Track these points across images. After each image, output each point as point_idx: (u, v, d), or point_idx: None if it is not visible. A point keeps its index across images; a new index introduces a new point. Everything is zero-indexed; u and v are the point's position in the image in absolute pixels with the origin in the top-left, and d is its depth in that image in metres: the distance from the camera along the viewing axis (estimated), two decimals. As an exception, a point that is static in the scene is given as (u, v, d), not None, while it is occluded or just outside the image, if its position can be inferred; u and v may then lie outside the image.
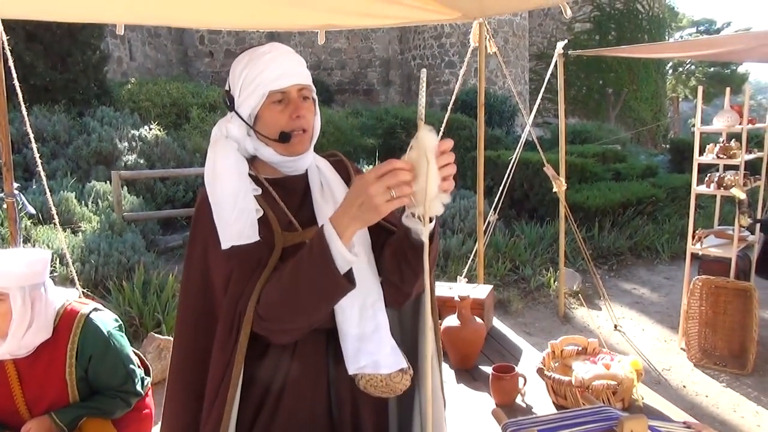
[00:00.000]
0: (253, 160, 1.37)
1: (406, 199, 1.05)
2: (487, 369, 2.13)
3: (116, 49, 12.98)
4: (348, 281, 1.12)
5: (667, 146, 17.34)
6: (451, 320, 2.18)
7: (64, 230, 5.54)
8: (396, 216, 1.38)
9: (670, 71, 26.48)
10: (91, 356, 1.83)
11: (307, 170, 1.40)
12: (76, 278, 3.20)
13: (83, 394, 1.86)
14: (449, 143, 1.09)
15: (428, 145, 1.11)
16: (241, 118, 1.32)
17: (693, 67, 28.44)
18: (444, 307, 2.31)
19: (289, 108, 1.29)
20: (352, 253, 1.11)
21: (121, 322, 2.00)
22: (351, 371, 1.25)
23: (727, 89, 4.40)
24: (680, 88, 29.11)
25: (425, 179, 1.10)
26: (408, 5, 2.74)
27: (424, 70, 1.23)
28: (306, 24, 3.17)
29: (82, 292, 2.82)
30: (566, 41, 4.61)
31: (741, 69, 27.21)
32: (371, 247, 1.35)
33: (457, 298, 2.18)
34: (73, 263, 4.76)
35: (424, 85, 1.13)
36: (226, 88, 1.36)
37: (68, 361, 1.80)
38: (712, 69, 27.37)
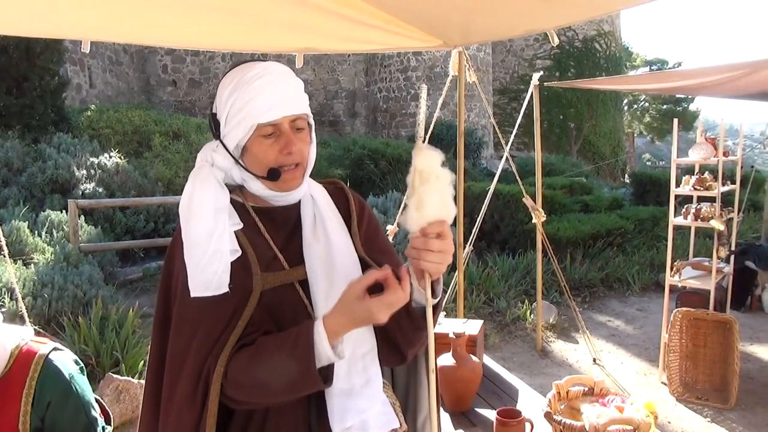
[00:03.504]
0: (242, 187, 1.22)
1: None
2: (485, 412, 1.98)
3: (76, 76, 12.63)
4: (324, 380, 1.04)
5: (627, 179, 17.84)
6: (446, 359, 2.03)
7: (15, 262, 5.19)
8: (389, 262, 1.29)
9: (626, 108, 27.42)
10: (50, 403, 1.61)
11: (300, 200, 1.25)
12: (26, 314, 2.94)
13: None
14: (442, 226, 1.05)
15: (423, 165, 1.02)
16: (227, 149, 1.18)
17: (647, 104, 29.56)
18: (435, 344, 2.15)
19: (279, 142, 1.15)
20: (337, 351, 1.04)
21: (82, 364, 1.78)
22: (336, 431, 1.12)
23: (700, 122, 4.45)
24: (635, 124, 30.17)
25: (425, 204, 1.01)
26: (390, 31, 2.66)
27: (424, 86, 1.14)
28: (284, 47, 3.05)
29: (34, 329, 2.56)
30: (542, 72, 4.61)
31: (692, 107, 28.41)
32: None
33: (452, 335, 2.03)
34: (23, 298, 4.45)
35: (423, 102, 1.03)
36: (213, 110, 1.21)
37: (23, 408, 1.57)
38: (665, 106, 28.49)
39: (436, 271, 1.05)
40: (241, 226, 1.17)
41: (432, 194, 1.02)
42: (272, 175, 1.15)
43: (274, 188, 1.18)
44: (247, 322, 1.10)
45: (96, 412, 1.76)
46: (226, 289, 1.10)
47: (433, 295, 1.09)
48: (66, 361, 1.68)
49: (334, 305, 1.05)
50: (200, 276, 1.10)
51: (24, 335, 1.69)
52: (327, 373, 1.05)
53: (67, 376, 1.64)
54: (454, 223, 3.92)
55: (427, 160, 1.03)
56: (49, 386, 1.60)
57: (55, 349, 1.68)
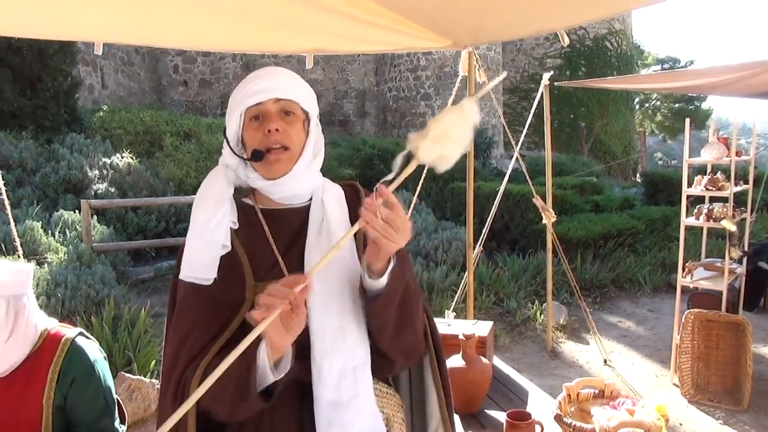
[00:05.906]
0: (254, 190, 1.24)
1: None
2: (496, 414, 1.98)
3: (88, 77, 12.72)
4: (264, 399, 1.04)
5: (638, 179, 17.70)
6: (455, 360, 2.03)
7: (29, 261, 5.24)
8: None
9: (637, 106, 27.20)
10: (74, 380, 1.69)
11: (311, 205, 1.25)
12: (40, 314, 2.97)
13: (56, 427, 1.68)
14: (386, 194, 1.03)
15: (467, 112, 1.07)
16: (228, 144, 1.21)
17: (658, 103, 29.30)
18: (444, 345, 2.15)
19: (264, 123, 1.16)
20: (281, 366, 1.03)
21: (105, 354, 1.85)
22: None
23: (712, 121, 4.41)
24: (647, 123, 29.93)
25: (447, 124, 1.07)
26: (399, 31, 2.65)
27: (504, 72, 1.18)
28: (294, 48, 3.06)
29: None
30: (552, 71, 4.59)
31: (705, 105, 28.13)
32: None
33: (461, 337, 2.03)
34: (37, 297, 4.49)
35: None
36: None
37: (48, 384, 1.65)
38: (677, 105, 28.22)
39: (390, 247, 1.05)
40: (237, 225, 1.18)
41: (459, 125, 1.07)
42: (255, 156, 1.16)
43: (264, 174, 1.18)
44: (235, 331, 1.10)
45: (114, 399, 1.83)
46: (210, 280, 1.13)
47: (384, 274, 1.08)
48: (91, 347, 1.78)
49: None
50: (190, 259, 1.15)
51: (53, 322, 1.80)
52: (272, 391, 1.06)
53: (91, 359, 1.73)
54: (464, 223, 3.92)
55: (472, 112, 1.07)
56: (74, 365, 1.69)
57: (81, 334, 1.78)
